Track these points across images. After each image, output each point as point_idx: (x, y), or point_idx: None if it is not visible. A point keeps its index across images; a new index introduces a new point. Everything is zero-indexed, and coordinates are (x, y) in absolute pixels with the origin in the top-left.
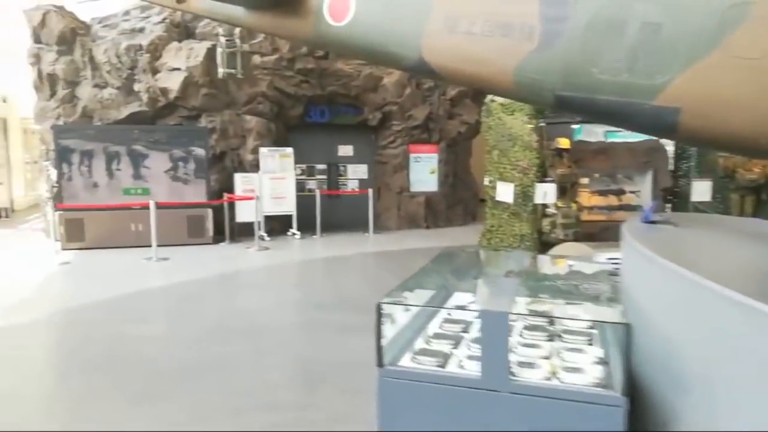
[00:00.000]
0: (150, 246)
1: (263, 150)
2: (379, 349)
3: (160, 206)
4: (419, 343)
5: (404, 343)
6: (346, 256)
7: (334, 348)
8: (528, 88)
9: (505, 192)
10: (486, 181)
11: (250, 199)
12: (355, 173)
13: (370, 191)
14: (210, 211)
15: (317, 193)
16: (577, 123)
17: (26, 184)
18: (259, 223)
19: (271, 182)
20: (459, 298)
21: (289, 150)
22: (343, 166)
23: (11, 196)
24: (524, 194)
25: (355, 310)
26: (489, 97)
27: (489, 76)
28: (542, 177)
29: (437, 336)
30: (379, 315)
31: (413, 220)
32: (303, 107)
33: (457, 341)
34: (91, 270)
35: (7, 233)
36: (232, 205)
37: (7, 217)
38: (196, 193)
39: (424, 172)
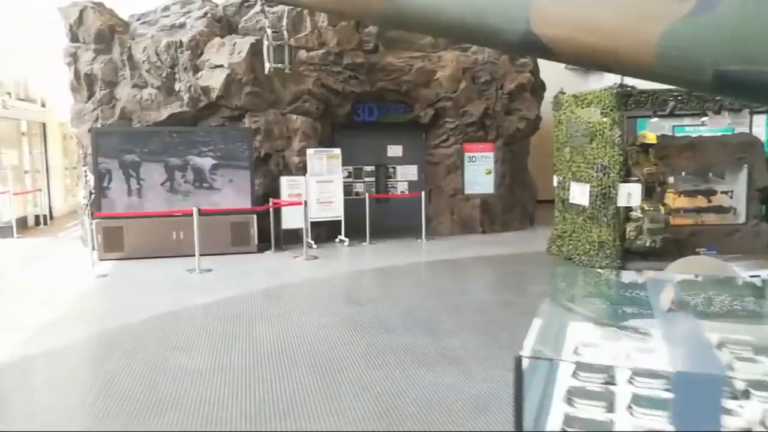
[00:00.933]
0: (192, 255)
1: (310, 151)
2: (519, 413)
3: (202, 213)
4: (556, 402)
5: (536, 399)
6: (402, 267)
7: (420, 387)
8: (677, 64)
9: (579, 193)
10: (555, 181)
11: (298, 204)
12: (405, 175)
13: (423, 194)
14: (254, 218)
15: (366, 197)
16: (652, 116)
17: (66, 191)
18: (306, 229)
19: (318, 186)
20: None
21: (337, 151)
22: (392, 167)
23: (50, 203)
24: (603, 196)
25: (428, 333)
26: (558, 88)
27: (622, 50)
28: (625, 176)
29: (576, 394)
30: (519, 373)
31: (467, 224)
32: (350, 105)
33: (608, 400)
34: (131, 283)
35: (44, 242)
36: (277, 211)
37: (45, 224)
38: (239, 197)
39: (480, 172)
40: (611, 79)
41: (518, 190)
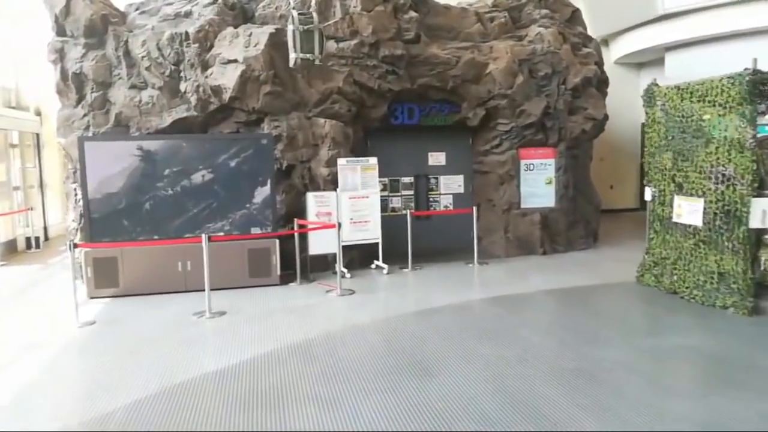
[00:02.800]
0: (202, 290)
1: (341, 161)
2: None
3: (213, 240)
4: None
5: None
6: (462, 306)
7: None
8: None
9: (689, 211)
10: (647, 194)
11: (330, 227)
12: (449, 187)
13: (475, 210)
14: (276, 243)
15: (408, 214)
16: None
17: (63, 209)
18: (338, 256)
19: (351, 203)
20: None
21: (374, 160)
22: (435, 177)
23: (45, 223)
24: (726, 214)
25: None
26: (653, 78)
27: None
28: (758, 188)
29: None
30: None
31: (525, 244)
32: (387, 106)
33: None
34: (122, 337)
35: (30, 271)
36: (303, 234)
37: (38, 247)
38: (258, 219)
39: (539, 182)
40: (674, 71)
41: (582, 203)
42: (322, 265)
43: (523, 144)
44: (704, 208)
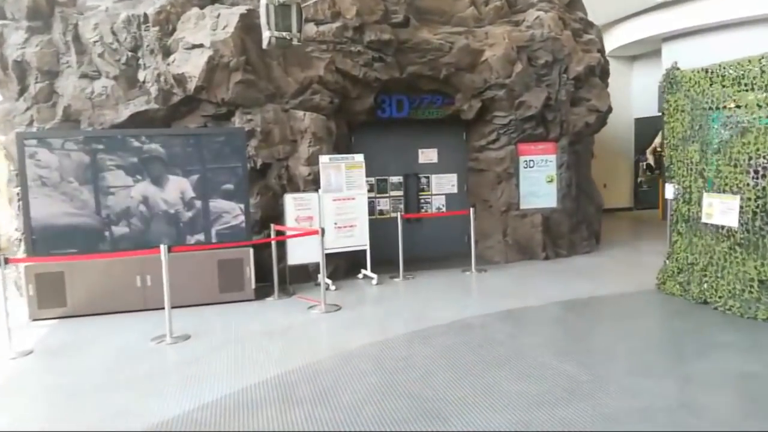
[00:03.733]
0: (164, 308)
1: (324, 159)
2: None
3: (175, 251)
4: None
5: None
6: (470, 323)
7: None
8: None
9: (722, 210)
10: (668, 192)
11: (312, 234)
12: (441, 186)
13: (472, 212)
14: (250, 253)
15: (399, 217)
16: None
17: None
18: (322, 267)
19: (335, 205)
20: None
21: (359, 158)
22: (426, 177)
23: None
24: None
25: None
26: (672, 60)
27: None
28: None
29: None
30: None
31: (525, 248)
32: (373, 97)
33: None
34: (62, 372)
35: None
36: (280, 241)
37: None
38: (229, 225)
39: (539, 181)
40: (671, 63)
41: (584, 202)
42: (303, 276)
43: (522, 139)
44: (741, 207)
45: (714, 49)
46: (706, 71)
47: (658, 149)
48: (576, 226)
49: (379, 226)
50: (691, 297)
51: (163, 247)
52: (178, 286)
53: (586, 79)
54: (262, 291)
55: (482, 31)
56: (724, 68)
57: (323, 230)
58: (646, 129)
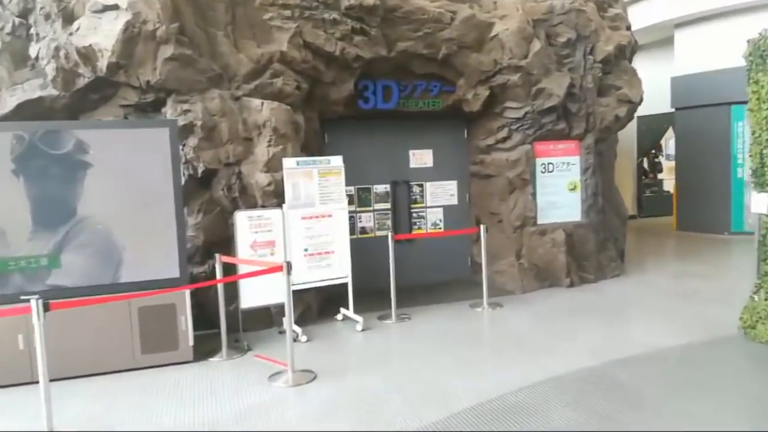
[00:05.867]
0: (64, 378)
1: (289, 163)
2: None
3: (54, 309)
4: None
5: None
6: (515, 404)
7: None
8: None
9: None
10: (760, 204)
11: (275, 270)
12: (437, 197)
13: (483, 231)
14: (186, 296)
15: (389, 239)
16: None
17: None
18: (288, 311)
19: (305, 225)
20: None
21: (337, 161)
22: (419, 185)
23: None
24: None
25: None
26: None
27: None
28: None
29: None
30: None
31: (545, 272)
32: (353, 83)
33: None
34: None
35: None
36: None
37: None
38: (156, 259)
39: (560, 188)
40: (685, 52)
41: (609, 214)
42: (262, 320)
43: (539, 136)
44: None
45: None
46: None
47: (653, 152)
48: (603, 244)
49: (360, 249)
50: None
51: (35, 303)
52: (76, 348)
53: (616, 63)
54: (205, 344)
55: (490, 1)
56: None
57: (289, 265)
58: (651, 128)
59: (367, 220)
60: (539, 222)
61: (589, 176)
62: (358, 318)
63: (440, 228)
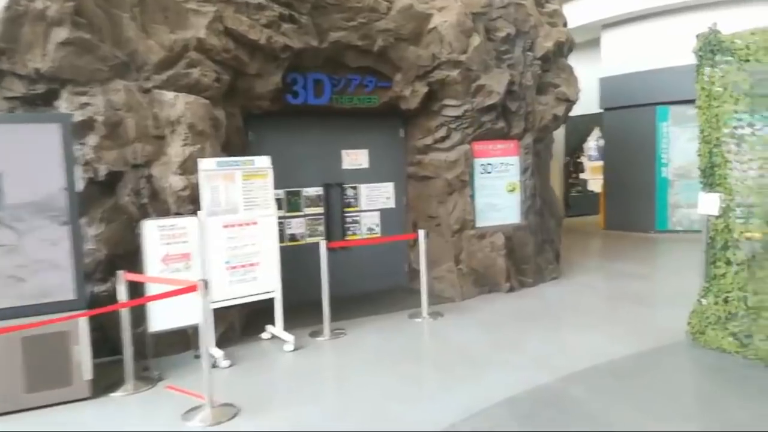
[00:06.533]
0: None
1: (208, 164)
2: None
3: None
4: None
5: None
6: None
7: None
8: None
9: None
10: (707, 205)
11: (188, 291)
12: (373, 200)
13: (422, 236)
14: (82, 324)
15: (323, 248)
16: None
17: None
18: (201, 332)
19: (226, 234)
20: None
21: (263, 162)
22: (353, 187)
23: None
24: None
25: None
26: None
27: None
28: None
29: None
30: None
31: (485, 277)
32: (281, 75)
33: None
34: None
35: None
36: (135, 295)
37: None
38: (47, 278)
39: (499, 190)
40: (612, 52)
41: (546, 216)
42: (176, 343)
43: (478, 136)
44: None
45: (661, 36)
46: None
47: (577, 152)
48: (541, 246)
49: (290, 258)
50: (755, 355)
51: None
52: None
53: (554, 60)
54: (108, 375)
55: None
56: None
57: (205, 284)
58: (578, 128)
59: (297, 226)
60: (478, 225)
61: (528, 177)
62: (288, 336)
63: (376, 233)
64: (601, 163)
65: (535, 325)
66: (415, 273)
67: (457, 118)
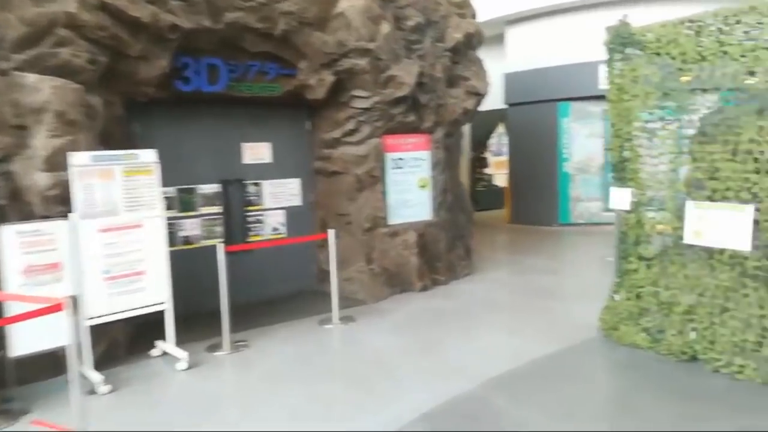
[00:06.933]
0: None
1: (80, 159)
2: None
3: None
4: None
5: None
6: None
7: None
8: None
9: (724, 226)
10: (619, 200)
11: (53, 310)
12: (278, 197)
13: (332, 235)
14: None
15: (221, 252)
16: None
17: None
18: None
19: (104, 240)
20: None
21: (149, 157)
22: (255, 183)
23: None
24: None
25: None
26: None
27: None
28: None
29: None
30: None
31: (396, 276)
32: (168, 59)
33: None
34: None
35: None
36: None
37: None
38: None
39: (411, 186)
40: (517, 49)
41: (457, 211)
42: (47, 367)
43: (389, 129)
44: (756, 222)
45: (563, 33)
46: (691, 22)
47: (482, 147)
48: (452, 243)
49: (184, 263)
50: (667, 350)
51: None
52: None
53: (464, 52)
54: None
55: None
56: (732, 15)
57: (74, 301)
58: (483, 124)
59: (192, 227)
60: (390, 222)
61: (439, 172)
62: (181, 353)
63: (282, 234)
64: (503, 158)
65: (451, 327)
66: (324, 274)
67: (367, 110)
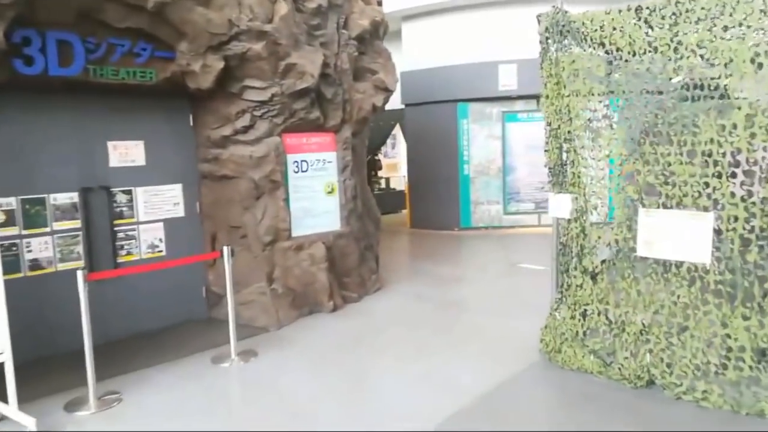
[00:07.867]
0: None
1: None
2: None
3: None
4: None
5: None
6: None
7: None
8: None
9: (680, 237)
10: (560, 207)
11: None
12: (155, 208)
13: (226, 253)
14: None
15: (80, 280)
16: None
17: None
18: None
19: None
20: None
21: None
22: (125, 191)
23: None
24: None
25: None
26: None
27: None
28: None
29: None
30: None
31: (302, 297)
32: (2, 31)
33: None
34: None
35: None
36: None
37: None
38: None
39: (317, 191)
40: (413, 45)
41: (366, 219)
42: None
43: (290, 127)
44: (719, 230)
45: (461, 31)
46: (635, 10)
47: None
48: (363, 255)
49: (32, 294)
50: (620, 375)
51: None
52: None
53: (371, 42)
54: None
55: None
56: (684, 3)
57: None
58: (379, 125)
59: (41, 248)
60: (294, 234)
61: (348, 176)
62: (27, 419)
63: (161, 252)
64: (395, 160)
65: (374, 355)
66: (216, 298)
67: (264, 103)
